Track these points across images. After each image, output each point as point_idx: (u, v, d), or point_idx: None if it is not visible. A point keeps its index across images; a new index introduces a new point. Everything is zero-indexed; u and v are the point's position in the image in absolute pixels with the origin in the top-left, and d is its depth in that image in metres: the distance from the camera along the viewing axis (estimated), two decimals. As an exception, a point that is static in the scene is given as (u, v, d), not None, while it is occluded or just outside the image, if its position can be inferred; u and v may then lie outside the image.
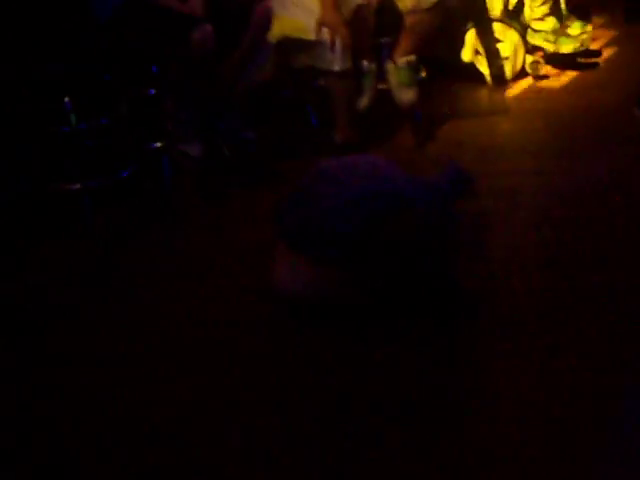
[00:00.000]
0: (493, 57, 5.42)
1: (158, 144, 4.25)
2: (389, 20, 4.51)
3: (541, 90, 5.39)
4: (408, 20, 4.42)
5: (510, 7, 5.50)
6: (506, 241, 3.47)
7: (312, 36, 4.23)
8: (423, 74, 4.80)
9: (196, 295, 3.29)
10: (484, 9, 5.37)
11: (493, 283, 3.19)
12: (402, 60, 4.47)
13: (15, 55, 4.04)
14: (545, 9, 5.50)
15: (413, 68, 4.53)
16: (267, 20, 4.23)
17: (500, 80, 5.44)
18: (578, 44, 5.61)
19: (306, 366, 2.82)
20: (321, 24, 4.18)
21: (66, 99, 3.98)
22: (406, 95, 4.55)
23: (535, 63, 5.52)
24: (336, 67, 4.31)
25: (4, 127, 4.06)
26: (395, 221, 2.96)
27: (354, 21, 4.27)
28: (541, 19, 5.53)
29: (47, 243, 3.78)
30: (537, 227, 3.57)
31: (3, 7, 3.98)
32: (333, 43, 4.19)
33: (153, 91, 4.23)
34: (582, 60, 5.69)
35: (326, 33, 4.19)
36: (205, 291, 3.32)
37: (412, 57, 4.47)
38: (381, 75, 4.59)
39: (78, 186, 3.96)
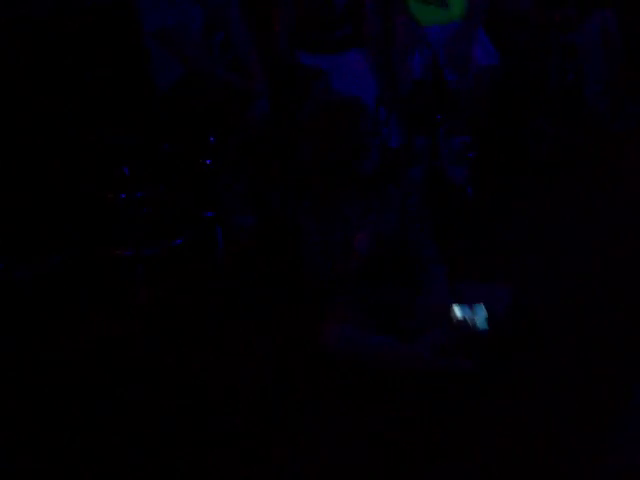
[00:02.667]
0: None
1: (212, 214, 4.30)
2: (445, 98, 4.56)
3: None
4: (463, 98, 4.47)
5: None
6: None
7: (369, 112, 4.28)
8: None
9: (246, 360, 3.33)
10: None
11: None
12: (456, 138, 4.52)
13: (75, 122, 4.14)
14: None
15: (467, 146, 4.57)
16: (325, 96, 4.29)
17: None
18: None
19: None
20: (379, 100, 4.24)
21: (124, 167, 4.07)
22: (459, 172, 4.58)
23: None
24: (392, 142, 4.36)
25: (62, 192, 4.15)
26: None
27: (410, 98, 4.33)
28: None
29: (96, 309, 3.80)
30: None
31: (64, 75, 4.11)
32: (390, 119, 4.24)
33: (209, 161, 4.30)
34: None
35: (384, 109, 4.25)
36: (255, 354, 3.36)
37: (466, 136, 4.51)
38: (435, 151, 4.63)
39: (132, 253, 4.02)
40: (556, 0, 5.60)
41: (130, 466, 2.74)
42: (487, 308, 3.19)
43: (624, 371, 3.07)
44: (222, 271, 4.12)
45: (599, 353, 3.19)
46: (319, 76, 4.38)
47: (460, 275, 3.55)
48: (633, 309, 3.48)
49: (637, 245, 4.07)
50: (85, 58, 4.12)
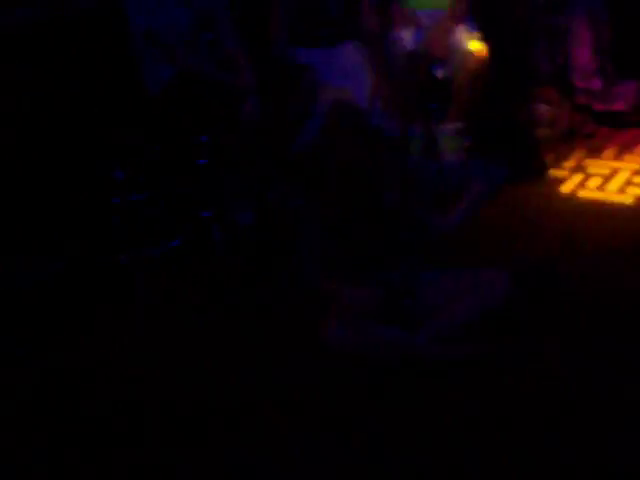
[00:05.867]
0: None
1: (208, 213, 4.27)
2: (437, 87, 4.54)
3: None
4: (454, 86, 4.46)
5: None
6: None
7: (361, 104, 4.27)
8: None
9: (247, 357, 3.34)
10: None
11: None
12: (450, 127, 4.51)
13: (68, 126, 4.12)
14: None
15: (460, 135, 4.56)
16: (312, 89, 4.29)
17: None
18: None
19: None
20: (374, 94, 4.26)
21: (118, 170, 4.04)
22: (454, 159, 4.58)
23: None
24: (386, 133, 4.35)
25: (57, 198, 4.13)
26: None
27: (403, 88, 4.33)
28: None
29: (97, 313, 3.79)
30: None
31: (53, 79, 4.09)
32: (385, 111, 4.25)
33: (203, 161, 4.26)
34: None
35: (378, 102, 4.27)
36: (258, 351, 3.37)
37: (460, 124, 4.50)
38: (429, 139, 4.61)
39: (129, 256, 4.00)
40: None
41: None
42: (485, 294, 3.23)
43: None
44: (221, 270, 4.10)
45: (601, 336, 3.20)
46: (306, 70, 4.37)
47: (458, 263, 3.55)
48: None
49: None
50: (74, 62, 4.10)
